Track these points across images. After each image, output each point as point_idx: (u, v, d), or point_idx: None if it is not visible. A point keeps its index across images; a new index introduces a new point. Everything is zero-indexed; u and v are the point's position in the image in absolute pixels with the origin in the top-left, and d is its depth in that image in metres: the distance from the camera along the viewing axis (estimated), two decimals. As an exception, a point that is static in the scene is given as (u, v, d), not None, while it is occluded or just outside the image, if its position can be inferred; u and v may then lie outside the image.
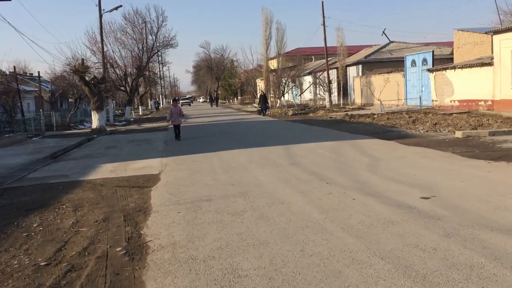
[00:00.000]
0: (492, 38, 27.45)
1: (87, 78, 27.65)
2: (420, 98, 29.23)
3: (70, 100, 44.05)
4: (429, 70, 28.86)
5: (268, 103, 36.49)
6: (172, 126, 18.57)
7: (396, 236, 4.91)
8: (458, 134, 14.08)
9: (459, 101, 25.97)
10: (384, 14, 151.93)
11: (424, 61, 30.24)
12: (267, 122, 26.88)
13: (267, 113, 34.42)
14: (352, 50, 48.50)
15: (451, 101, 26.70)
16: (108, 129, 28.23)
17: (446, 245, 4.56)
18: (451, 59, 32.36)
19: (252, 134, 19.07)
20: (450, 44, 40.29)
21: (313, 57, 64.71)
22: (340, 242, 4.85)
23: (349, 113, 28.71)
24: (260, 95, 36.43)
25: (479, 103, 24.26)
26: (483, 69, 23.95)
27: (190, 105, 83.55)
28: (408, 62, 31.98)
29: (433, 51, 30.56)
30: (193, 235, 5.48)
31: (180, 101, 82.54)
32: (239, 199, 7.18)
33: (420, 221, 5.39)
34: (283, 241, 5.01)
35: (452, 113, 22.98)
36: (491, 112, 22.21)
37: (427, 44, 43.46)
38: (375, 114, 25.99)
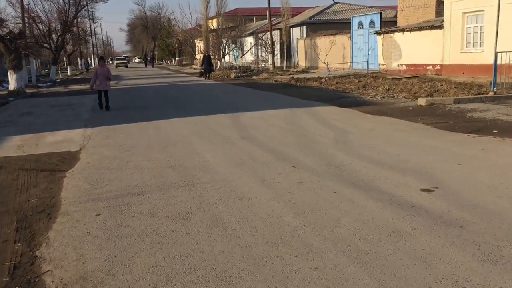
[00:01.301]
0: (435, 1, 26.85)
1: (1, 33, 24.01)
2: (367, 61, 28.24)
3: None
4: (377, 33, 27.77)
5: (212, 65, 33.31)
6: (97, 92, 14.77)
7: (418, 261, 3.38)
8: (421, 101, 12.92)
9: (406, 65, 25.17)
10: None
11: (372, 23, 29.10)
12: (209, 85, 24.81)
13: (210, 75, 31.23)
14: (294, 11, 46.66)
15: (398, 65, 25.86)
16: (28, 91, 24.98)
17: (497, 279, 3.09)
18: (395, 22, 31.56)
19: (193, 99, 17.05)
20: (393, 8, 39.60)
21: (254, 17, 62.41)
22: (339, 275, 3.25)
23: (295, 76, 27.25)
24: (204, 55, 32.66)
25: (427, 67, 23.55)
26: (433, 32, 23.10)
27: (127, 66, 70.25)
28: (354, 24, 30.74)
29: (381, 13, 29.46)
30: (115, 260, 3.67)
31: (115, 62, 73.36)
32: (182, 192, 5.40)
33: (439, 231, 3.90)
34: (252, 274, 3.33)
35: (402, 78, 22.10)
36: (440, 77, 21.55)
37: (370, 7, 42.54)
38: (322, 77, 24.70)
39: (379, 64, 27.58)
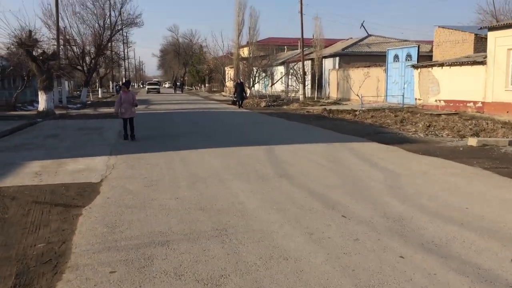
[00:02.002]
0: (474, 36, 25.94)
1: (34, 53, 24.03)
2: (402, 96, 27.23)
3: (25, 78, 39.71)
4: (414, 66, 26.84)
5: (245, 93, 31.89)
6: (122, 120, 13.37)
7: None
8: (472, 141, 11.85)
9: (445, 101, 24.06)
10: (362, 5, 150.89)
11: (408, 56, 28.22)
12: (239, 114, 24.16)
13: (242, 104, 29.98)
14: (327, 43, 46.23)
15: (436, 100, 24.78)
16: (58, 112, 24.87)
17: None
18: (430, 57, 30.73)
19: (224, 128, 16.33)
20: (427, 42, 38.72)
21: (285, 47, 62.40)
22: None
23: (327, 107, 26.44)
24: (236, 83, 31.55)
25: (468, 104, 22.39)
26: (474, 68, 22.04)
27: (159, 92, 62.69)
28: (390, 57, 29.89)
29: (419, 46, 28.58)
30: None
31: (146, 87, 67.21)
32: (215, 244, 4.52)
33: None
34: None
35: (440, 114, 21.02)
36: (482, 115, 20.39)
37: (405, 40, 41.73)
38: (356, 110, 23.81)
39: (415, 99, 26.55)
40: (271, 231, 4.89)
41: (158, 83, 70.98)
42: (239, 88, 30.03)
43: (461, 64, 22.93)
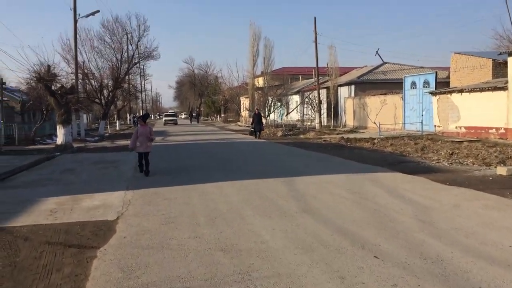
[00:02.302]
0: (492, 62, 25.60)
1: (53, 88, 24.31)
2: (421, 123, 26.76)
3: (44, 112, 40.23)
4: (432, 93, 26.46)
5: (263, 123, 31.34)
6: (137, 154, 12.91)
7: None
8: (501, 170, 11.34)
9: (466, 127, 23.53)
10: (376, 33, 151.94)
11: (426, 83, 27.91)
12: (256, 144, 23.91)
13: (260, 134, 29.28)
14: (341, 71, 46.25)
15: (456, 127, 24.26)
16: (76, 145, 24.97)
17: None
18: (447, 83, 30.37)
19: (242, 159, 16.05)
20: (443, 68, 38.41)
21: (300, 76, 62.68)
22: None
23: (344, 136, 26.14)
24: (254, 113, 30.90)
25: (490, 131, 21.83)
26: (495, 94, 21.59)
27: (176, 123, 59.78)
28: (407, 84, 29.62)
29: (436, 73, 28.26)
30: None
31: (164, 118, 65.28)
32: (238, 291, 4.17)
33: None
34: None
35: (462, 141, 20.47)
36: (505, 141, 19.81)
37: (421, 67, 41.47)
38: (374, 138, 23.44)
39: (435, 126, 26.07)
40: (298, 275, 4.51)
41: (175, 115, 69.26)
42: (257, 118, 29.53)
43: (481, 90, 22.50)
